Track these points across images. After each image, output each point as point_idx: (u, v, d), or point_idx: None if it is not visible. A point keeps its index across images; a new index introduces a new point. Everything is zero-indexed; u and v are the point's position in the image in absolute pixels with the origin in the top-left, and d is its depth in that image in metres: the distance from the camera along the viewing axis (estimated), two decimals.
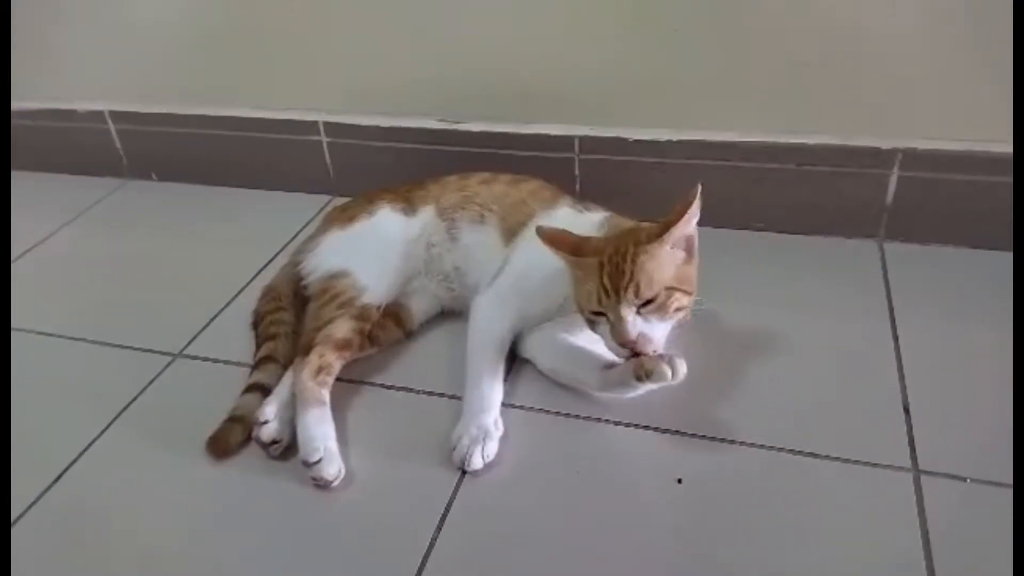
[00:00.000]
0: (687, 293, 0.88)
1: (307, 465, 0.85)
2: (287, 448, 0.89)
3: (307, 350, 0.95)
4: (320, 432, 0.88)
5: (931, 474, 0.81)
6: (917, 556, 0.74)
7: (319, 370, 0.93)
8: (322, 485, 0.85)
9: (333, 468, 0.85)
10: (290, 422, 0.90)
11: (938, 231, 1.18)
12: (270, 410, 0.90)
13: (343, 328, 0.97)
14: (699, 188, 0.87)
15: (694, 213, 0.88)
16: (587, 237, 0.93)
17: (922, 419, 0.88)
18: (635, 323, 0.85)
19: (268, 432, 0.88)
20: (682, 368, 0.84)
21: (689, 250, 0.91)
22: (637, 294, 0.85)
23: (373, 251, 1.06)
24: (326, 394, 0.92)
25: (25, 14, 1.48)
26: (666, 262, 0.87)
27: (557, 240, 0.92)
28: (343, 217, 1.11)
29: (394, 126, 1.37)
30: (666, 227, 0.87)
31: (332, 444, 0.87)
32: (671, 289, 0.86)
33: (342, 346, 0.97)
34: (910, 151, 1.14)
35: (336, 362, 0.95)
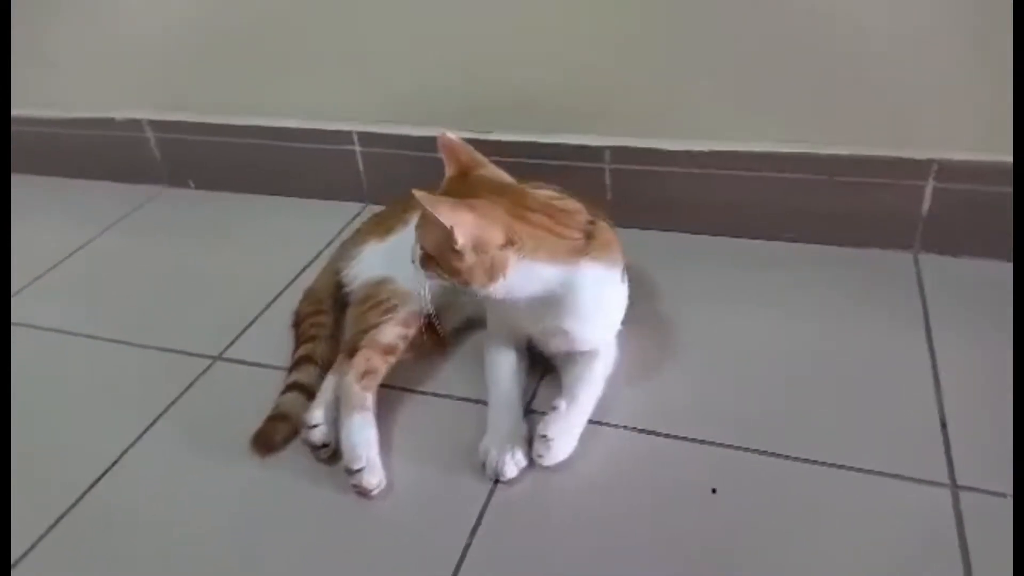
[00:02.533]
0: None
1: (349, 472, 0.86)
2: (336, 452, 0.90)
3: (351, 353, 0.96)
4: (363, 439, 0.88)
5: (969, 489, 0.81)
6: (956, 572, 0.73)
7: (364, 374, 0.94)
8: (362, 493, 0.86)
9: (375, 478, 0.86)
10: (336, 424, 0.91)
11: (975, 243, 1.17)
12: (319, 414, 0.91)
13: (389, 333, 0.98)
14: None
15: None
16: (489, 165, 0.93)
17: (959, 434, 0.87)
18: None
19: (318, 436, 0.90)
20: None
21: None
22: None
23: None
24: (371, 399, 0.93)
25: (63, 23, 1.53)
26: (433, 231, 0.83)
27: (458, 147, 0.93)
28: (380, 229, 1.12)
29: (426, 135, 1.38)
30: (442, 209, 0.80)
31: (374, 453, 0.88)
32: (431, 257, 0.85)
33: (388, 351, 0.97)
34: (946, 162, 1.13)
35: (382, 367, 0.96)
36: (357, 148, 1.45)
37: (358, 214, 1.44)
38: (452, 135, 0.94)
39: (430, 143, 1.39)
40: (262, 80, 1.46)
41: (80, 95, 1.61)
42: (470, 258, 0.82)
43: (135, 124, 1.58)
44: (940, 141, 1.13)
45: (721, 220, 1.28)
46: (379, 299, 1.02)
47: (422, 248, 0.86)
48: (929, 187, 1.16)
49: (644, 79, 1.23)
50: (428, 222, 0.84)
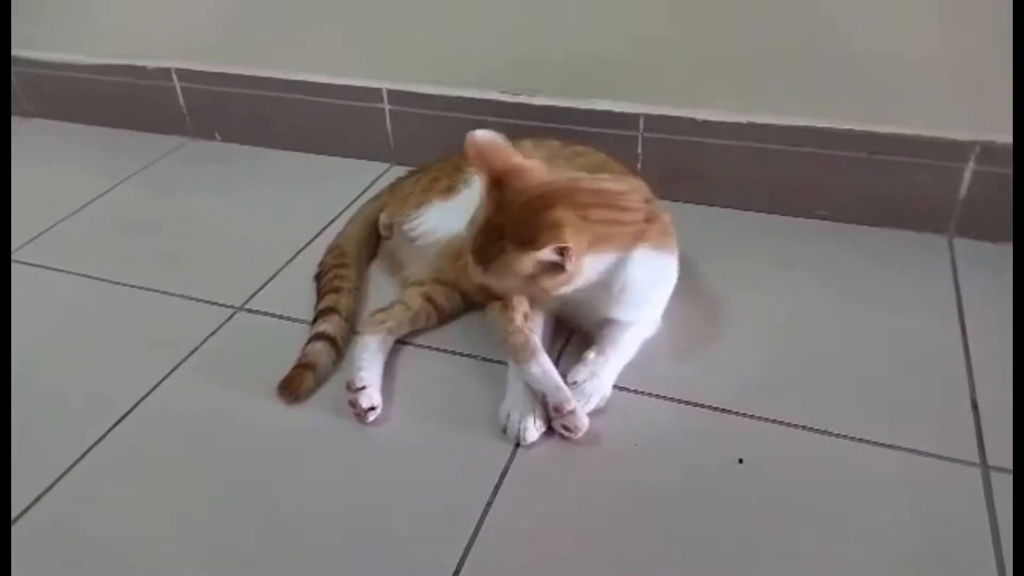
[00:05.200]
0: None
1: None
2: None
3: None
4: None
5: (1000, 470, 0.79)
6: (986, 550, 0.72)
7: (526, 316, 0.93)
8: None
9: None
10: (381, 388, 0.91)
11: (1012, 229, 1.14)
12: (365, 375, 0.90)
13: None
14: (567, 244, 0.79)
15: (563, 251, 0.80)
16: (526, 169, 0.84)
17: (991, 415, 0.86)
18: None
19: (366, 399, 0.88)
20: None
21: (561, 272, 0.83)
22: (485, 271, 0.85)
23: None
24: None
25: None
26: (522, 269, 0.82)
27: (489, 152, 0.84)
28: (438, 187, 1.08)
29: (458, 96, 1.37)
30: (532, 247, 0.79)
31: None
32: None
33: None
34: (988, 144, 1.11)
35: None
36: (386, 106, 1.43)
37: (383, 173, 1.43)
38: (483, 134, 0.84)
39: (462, 104, 1.39)
40: (292, 34, 1.44)
41: (111, 41, 1.59)
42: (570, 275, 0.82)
43: (164, 73, 1.57)
44: (984, 123, 1.11)
45: (754, 194, 1.26)
46: None
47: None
48: (969, 170, 1.13)
49: (682, 47, 1.20)
50: (515, 261, 0.81)
